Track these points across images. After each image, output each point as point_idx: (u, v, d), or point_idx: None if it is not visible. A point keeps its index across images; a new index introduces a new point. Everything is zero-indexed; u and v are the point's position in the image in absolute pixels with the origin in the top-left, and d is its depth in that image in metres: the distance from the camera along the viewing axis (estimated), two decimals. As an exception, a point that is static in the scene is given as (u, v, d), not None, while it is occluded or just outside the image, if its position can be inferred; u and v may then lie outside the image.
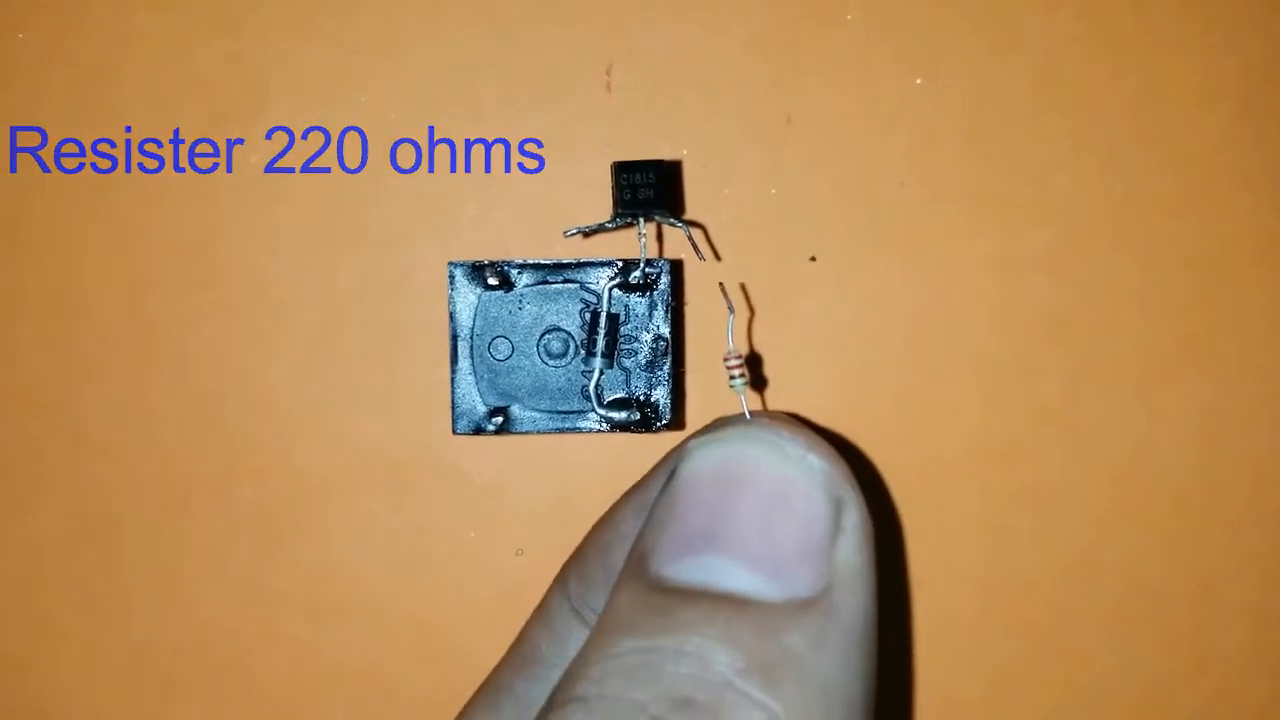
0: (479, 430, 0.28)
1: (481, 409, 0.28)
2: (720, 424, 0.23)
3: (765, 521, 0.21)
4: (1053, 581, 0.32)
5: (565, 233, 0.28)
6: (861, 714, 0.20)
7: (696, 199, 0.31)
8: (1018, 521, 0.31)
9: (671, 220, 0.27)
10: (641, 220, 0.27)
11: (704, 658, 0.19)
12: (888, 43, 0.31)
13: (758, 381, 0.31)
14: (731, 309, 0.26)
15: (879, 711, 0.21)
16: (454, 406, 0.28)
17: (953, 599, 0.32)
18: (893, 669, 0.32)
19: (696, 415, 0.31)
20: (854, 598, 0.21)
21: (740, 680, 0.19)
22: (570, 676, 0.20)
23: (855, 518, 0.21)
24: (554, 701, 0.20)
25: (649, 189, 0.27)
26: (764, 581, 0.20)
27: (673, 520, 0.22)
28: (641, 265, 0.27)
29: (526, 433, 0.28)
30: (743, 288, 0.31)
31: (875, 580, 0.22)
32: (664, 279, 0.28)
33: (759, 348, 0.31)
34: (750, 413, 0.24)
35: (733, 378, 0.26)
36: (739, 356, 0.26)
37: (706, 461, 0.22)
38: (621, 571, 0.22)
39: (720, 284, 0.27)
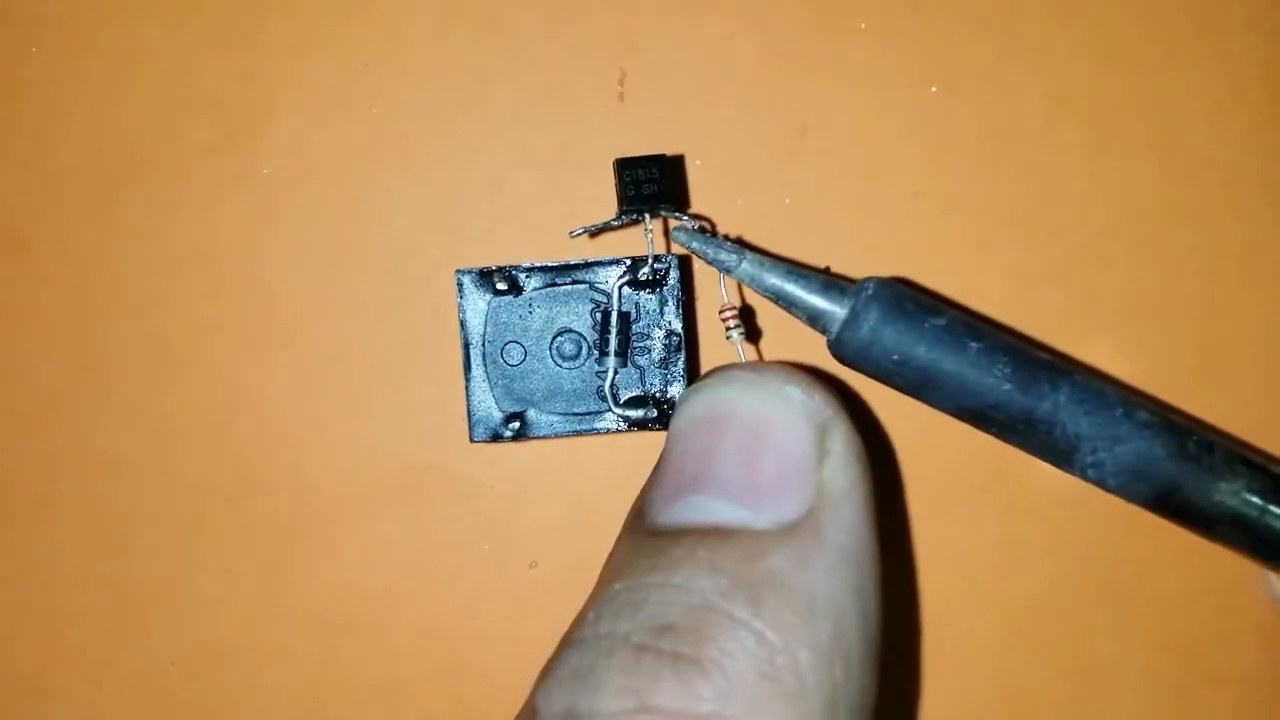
0: (496, 437, 0.28)
1: (497, 415, 0.28)
2: (706, 374, 0.24)
3: (746, 455, 0.22)
4: (1069, 596, 0.31)
5: (571, 233, 0.28)
6: (855, 625, 0.21)
7: (710, 209, 0.31)
8: (1034, 535, 0.31)
9: (677, 214, 0.27)
10: (647, 216, 0.27)
11: (688, 586, 0.20)
12: (901, 52, 0.31)
13: (754, 334, 0.31)
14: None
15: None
16: (470, 414, 0.28)
17: (967, 613, 0.31)
18: (905, 684, 0.32)
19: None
20: (841, 516, 0.21)
21: (723, 602, 0.19)
22: (572, 625, 0.21)
23: (840, 440, 0.22)
24: (556, 649, 0.20)
25: (653, 184, 0.27)
26: (748, 512, 0.21)
27: (664, 472, 0.23)
28: (650, 261, 0.27)
29: (544, 437, 0.28)
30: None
31: (867, 497, 0.22)
32: (673, 274, 0.28)
33: (774, 358, 0.31)
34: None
35: (728, 329, 0.27)
36: (734, 308, 0.27)
37: (690, 411, 0.23)
38: (622, 527, 0.23)
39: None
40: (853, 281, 0.24)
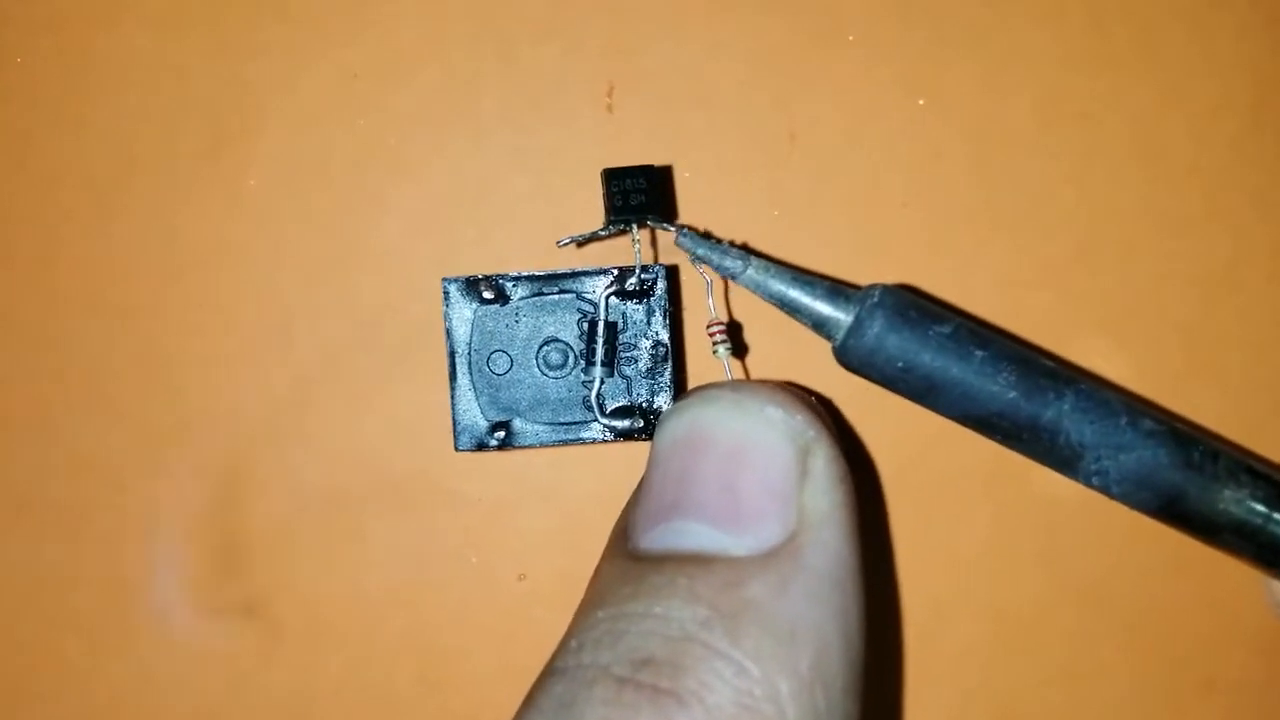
0: (481, 446, 0.28)
1: (483, 424, 0.28)
2: (688, 393, 0.24)
3: (727, 479, 0.22)
4: (1062, 603, 0.31)
5: (559, 242, 0.28)
6: (838, 651, 0.20)
7: (699, 219, 0.31)
8: (1024, 543, 0.31)
9: (665, 225, 0.27)
10: (635, 226, 0.27)
11: (667, 616, 0.20)
12: (890, 62, 0.31)
13: (741, 349, 0.31)
14: (707, 278, 0.27)
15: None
16: (455, 423, 0.28)
17: (958, 622, 0.31)
18: (894, 695, 0.31)
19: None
20: (822, 541, 0.21)
21: (702, 632, 0.19)
22: (555, 652, 0.21)
23: (821, 461, 0.22)
24: (539, 677, 0.21)
25: (640, 194, 0.27)
26: (728, 537, 0.21)
27: (645, 495, 0.23)
28: (637, 272, 0.27)
29: (529, 446, 0.28)
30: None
31: (849, 520, 0.22)
32: (660, 284, 0.28)
33: (763, 367, 0.31)
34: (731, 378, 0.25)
35: (715, 344, 0.27)
36: (721, 323, 0.27)
37: (671, 432, 0.23)
38: (605, 548, 0.23)
39: (691, 258, 0.27)
40: (858, 288, 0.24)
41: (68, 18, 0.31)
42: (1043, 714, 0.31)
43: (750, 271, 0.24)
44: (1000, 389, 0.23)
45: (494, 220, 0.31)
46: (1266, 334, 0.31)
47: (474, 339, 0.28)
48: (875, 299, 0.24)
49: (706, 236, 0.25)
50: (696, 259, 0.25)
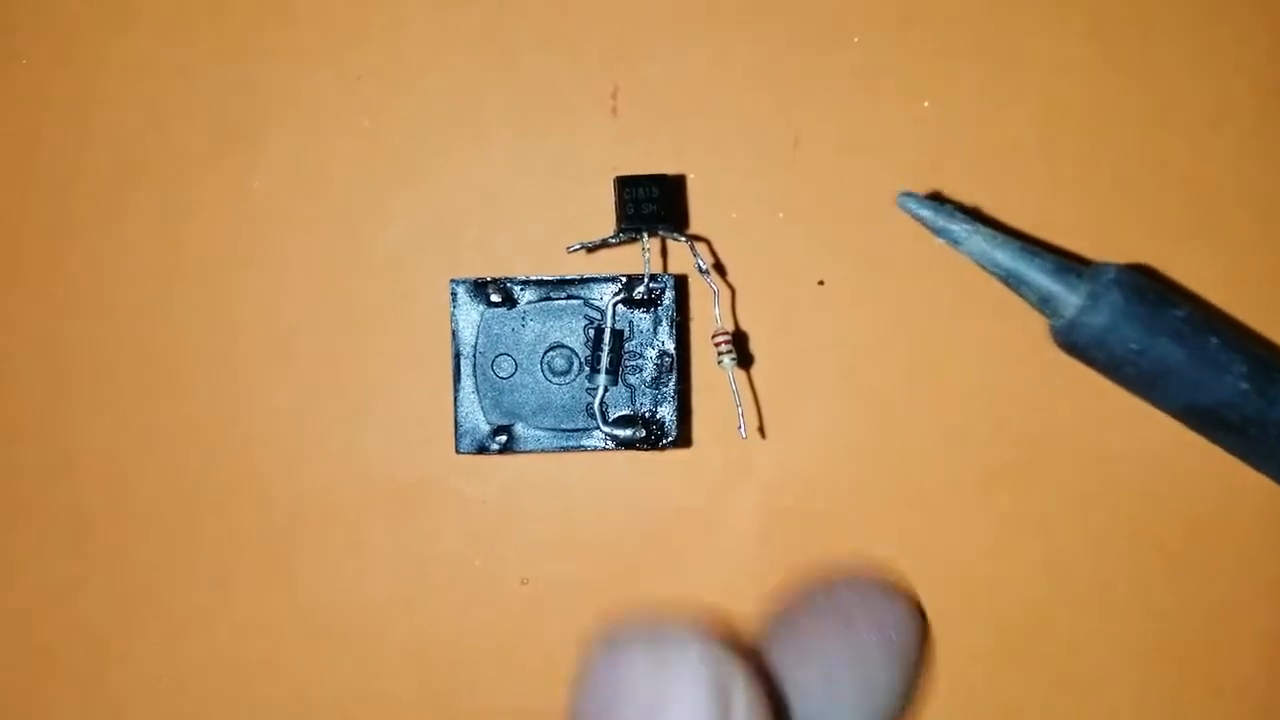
0: (482, 449, 0.28)
1: (485, 428, 0.28)
2: (603, 640, 0.23)
3: None
4: (1065, 609, 0.31)
5: (568, 248, 0.28)
6: None
7: (703, 222, 0.31)
8: (1028, 548, 0.31)
9: (675, 235, 0.27)
10: (645, 235, 0.27)
11: None
12: (895, 65, 0.31)
13: (746, 359, 0.30)
14: (714, 287, 0.27)
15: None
16: (457, 425, 0.28)
17: (963, 627, 0.31)
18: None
19: (702, 431, 0.31)
20: None
21: None
22: None
23: (742, 701, 0.21)
24: None
25: (652, 204, 0.27)
26: None
27: None
28: (645, 280, 0.27)
29: (530, 451, 0.28)
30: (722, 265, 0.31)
31: None
32: (668, 294, 0.27)
33: (766, 371, 0.31)
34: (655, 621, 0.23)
35: (720, 353, 0.26)
36: (726, 333, 0.26)
37: (591, 691, 0.22)
38: None
39: (698, 265, 0.27)
40: (1087, 264, 0.24)
41: (71, 21, 0.31)
42: (1047, 718, 0.31)
43: (976, 240, 0.23)
44: (1233, 379, 0.23)
45: (499, 224, 0.31)
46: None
47: (479, 341, 0.28)
48: (1112, 276, 0.23)
49: (933, 198, 0.24)
50: (920, 221, 0.24)
